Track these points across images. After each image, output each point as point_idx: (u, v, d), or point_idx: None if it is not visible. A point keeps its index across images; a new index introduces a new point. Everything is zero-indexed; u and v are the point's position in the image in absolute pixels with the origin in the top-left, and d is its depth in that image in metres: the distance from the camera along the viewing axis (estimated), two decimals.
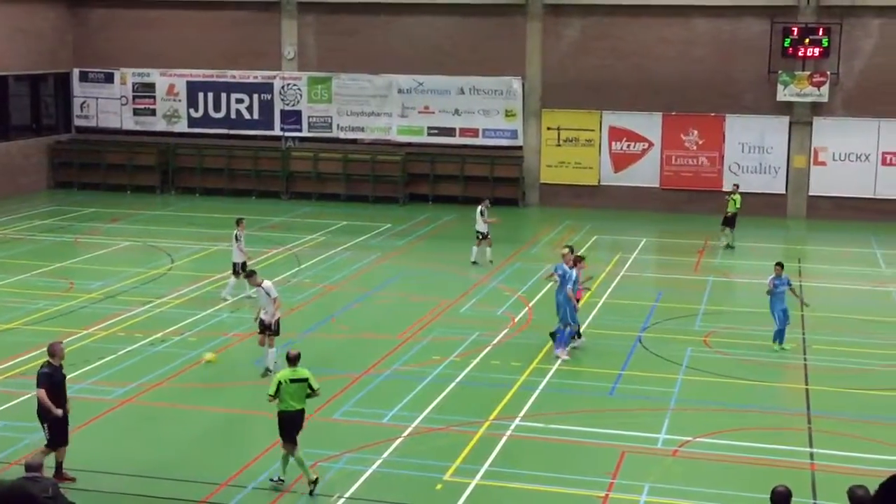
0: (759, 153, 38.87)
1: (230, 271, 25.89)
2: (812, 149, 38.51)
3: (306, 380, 14.89)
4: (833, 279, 29.11)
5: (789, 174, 38.74)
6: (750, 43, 38.46)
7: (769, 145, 38.73)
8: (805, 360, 21.37)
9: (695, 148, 39.39)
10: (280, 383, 14.72)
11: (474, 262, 29.77)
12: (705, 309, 25.47)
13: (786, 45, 37.81)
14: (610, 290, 27.07)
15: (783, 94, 38.00)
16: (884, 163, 37.98)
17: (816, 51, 37.59)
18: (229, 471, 15.24)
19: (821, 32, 37.58)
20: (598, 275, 27.72)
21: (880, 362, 21.30)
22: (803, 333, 23.22)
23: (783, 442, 16.76)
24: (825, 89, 37.68)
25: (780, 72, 37.91)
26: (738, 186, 34.37)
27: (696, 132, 39.31)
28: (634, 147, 39.88)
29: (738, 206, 32.93)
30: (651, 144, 39.73)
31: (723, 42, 38.82)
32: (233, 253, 25.72)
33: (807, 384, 19.86)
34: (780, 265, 22.51)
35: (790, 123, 38.51)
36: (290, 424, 14.71)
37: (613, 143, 40.05)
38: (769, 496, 9.78)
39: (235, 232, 25.61)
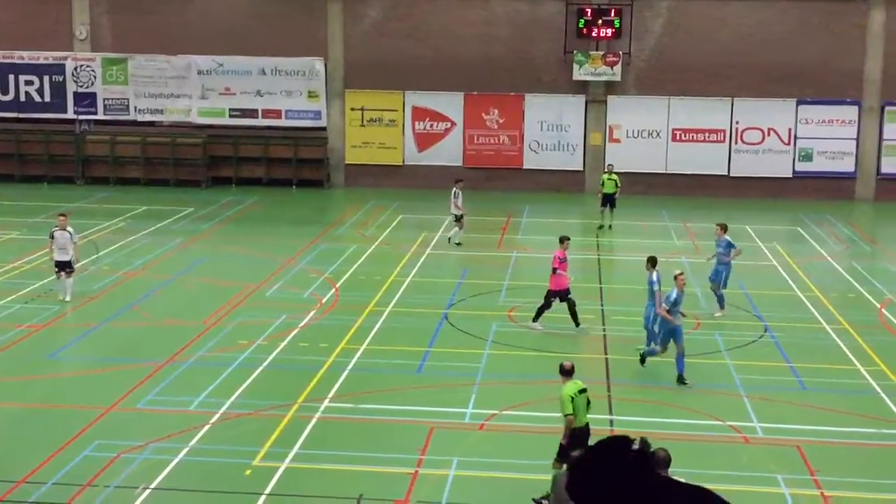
0: (558, 131, 39.91)
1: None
2: (607, 126, 39.79)
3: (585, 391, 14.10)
4: (629, 252, 30.17)
5: (586, 151, 39.92)
6: (547, 23, 39.36)
7: (567, 123, 39.81)
8: (604, 330, 22.09)
9: (496, 127, 40.11)
10: (572, 398, 13.84)
11: (458, 244, 29.97)
12: (509, 284, 26.00)
13: (580, 25, 38.89)
14: (416, 268, 27.29)
15: (579, 74, 39.10)
16: (674, 139, 39.61)
17: (609, 31, 38.81)
18: (28, 467, 14.64)
19: (613, 13, 38.82)
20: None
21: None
22: (602, 305, 23.99)
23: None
24: (618, 69, 38.98)
25: (575, 52, 38.97)
26: (612, 166, 34.84)
27: (496, 111, 40.01)
28: (437, 127, 40.29)
29: (618, 185, 33.33)
30: (453, 124, 40.22)
31: (521, 23, 39.58)
32: (55, 252, 23.95)
33: (606, 354, 20.54)
34: (721, 226, 24.02)
35: (586, 102, 39.67)
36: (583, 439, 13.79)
37: (416, 123, 40.34)
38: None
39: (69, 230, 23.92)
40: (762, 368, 19.72)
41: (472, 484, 14.55)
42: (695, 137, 39.61)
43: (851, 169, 39.20)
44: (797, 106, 39.01)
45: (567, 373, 14.28)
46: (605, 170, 34.93)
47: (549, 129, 39.94)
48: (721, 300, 23.51)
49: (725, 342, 21.37)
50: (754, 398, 18.02)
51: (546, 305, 21.90)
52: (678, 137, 39.61)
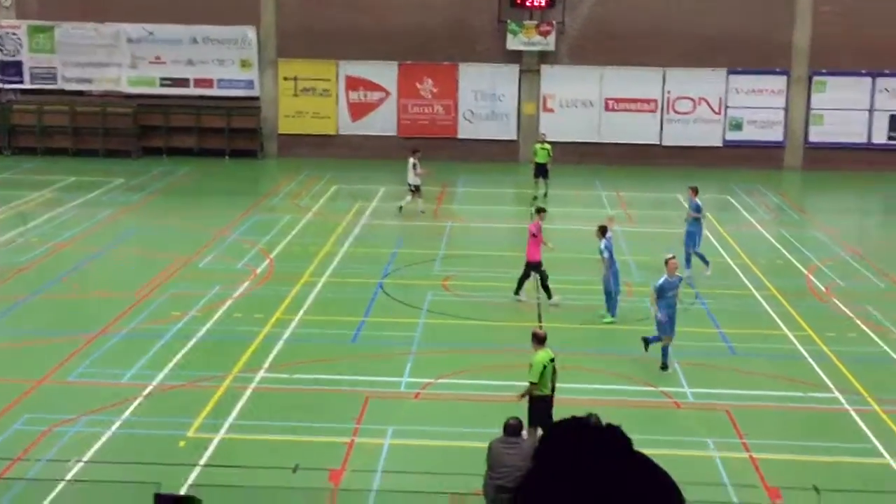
0: (492, 101, 39.94)
1: None
2: (541, 96, 39.90)
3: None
4: (563, 221, 30.35)
5: (520, 121, 40.03)
6: None
7: (501, 93, 39.85)
8: (538, 299, 22.24)
9: (430, 96, 40.03)
10: (544, 367, 14.14)
11: (422, 212, 30.10)
12: (444, 254, 26.07)
13: None
14: (350, 238, 27.23)
15: (513, 43, 39.13)
16: (607, 108, 39.85)
17: (543, 1, 38.83)
18: None
19: None
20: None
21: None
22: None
23: (520, 377, 17.41)
24: (552, 38, 39.06)
25: (509, 21, 38.97)
26: (544, 135, 34.83)
27: (430, 81, 39.92)
28: (371, 96, 40.10)
29: (550, 154, 33.37)
30: (388, 93, 40.06)
31: None
32: None
33: (540, 322, 20.70)
34: (693, 189, 24.68)
35: (520, 72, 39.72)
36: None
37: (350, 93, 40.11)
38: (502, 427, 10.18)
39: None
40: (693, 335, 20.01)
41: (408, 452, 14.63)
42: (627, 107, 39.88)
43: (780, 138, 39.77)
44: (728, 76, 39.44)
45: (540, 341, 14.53)
46: (538, 139, 35.01)
47: (484, 98, 39.96)
48: (703, 258, 24.28)
49: None
50: (686, 364, 18.30)
51: (525, 276, 21.94)
52: (611, 107, 39.86)
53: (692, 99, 39.70)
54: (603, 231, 20.94)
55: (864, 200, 36.12)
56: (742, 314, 21.47)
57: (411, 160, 30.48)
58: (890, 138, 39.50)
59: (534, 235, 21.82)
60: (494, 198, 33.17)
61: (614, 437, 1.66)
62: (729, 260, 25.78)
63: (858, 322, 20.70)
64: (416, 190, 30.30)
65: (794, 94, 39.52)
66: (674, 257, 19.05)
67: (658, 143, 39.81)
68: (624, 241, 27.84)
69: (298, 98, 40.26)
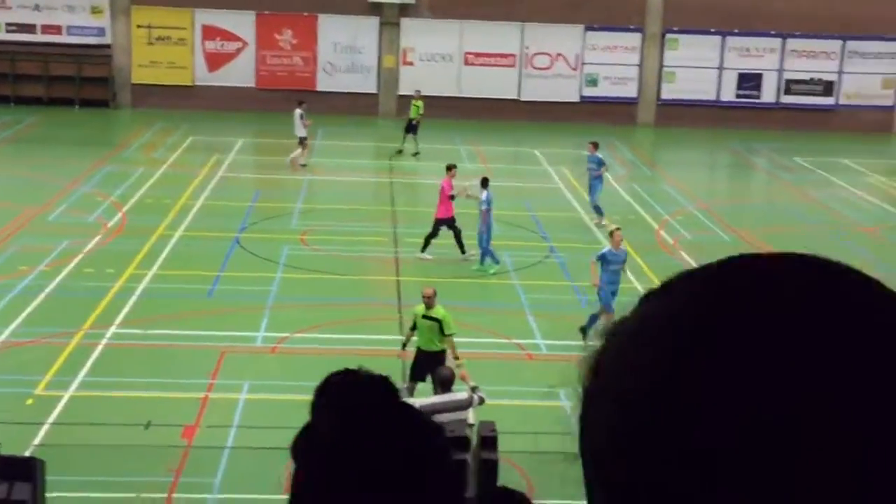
0: (352, 53, 39.67)
1: None
2: (400, 49, 39.81)
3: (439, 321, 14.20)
4: (423, 175, 30.48)
5: (380, 74, 39.88)
6: None
7: (361, 45, 39.61)
8: (396, 252, 22.36)
9: (289, 48, 39.52)
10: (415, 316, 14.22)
11: (304, 165, 29.74)
12: (301, 207, 25.91)
13: None
14: (206, 192, 26.81)
15: None
16: (466, 63, 40.02)
17: None
18: None
19: None
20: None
21: (471, 252, 22.64)
22: (394, 228, 24.24)
23: (376, 331, 17.57)
24: None
25: None
26: (419, 92, 34.41)
27: (290, 32, 39.39)
28: (228, 46, 39.37)
29: (420, 111, 33.02)
30: (245, 44, 39.39)
31: None
32: None
33: (398, 276, 20.83)
34: (593, 143, 25.47)
35: (380, 24, 39.52)
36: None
37: (207, 43, 39.30)
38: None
39: None
40: (547, 287, 20.44)
41: (264, 407, 14.61)
42: (486, 61, 40.14)
43: (634, 95, 40.64)
44: (584, 32, 40.02)
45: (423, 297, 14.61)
46: (414, 94, 34.48)
47: (344, 51, 39.65)
48: (598, 210, 25.16)
49: (514, 262, 21.98)
50: (539, 316, 18.70)
51: (433, 234, 21.87)
52: (470, 61, 40.05)
53: (550, 55, 40.18)
54: (484, 183, 21.27)
55: (713, 156, 37.27)
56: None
57: (298, 111, 30.22)
58: (738, 96, 40.78)
59: (447, 193, 21.62)
60: (353, 151, 33.06)
61: (381, 388, 1.74)
62: (583, 215, 26.31)
63: None
64: (303, 141, 30.03)
65: (648, 51, 40.39)
66: (619, 229, 18.07)
67: (517, 97, 40.21)
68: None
69: (153, 47, 39.24)
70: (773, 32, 40.16)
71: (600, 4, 39.51)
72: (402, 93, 39.87)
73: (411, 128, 32.92)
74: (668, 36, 40.24)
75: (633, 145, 36.63)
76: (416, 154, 32.67)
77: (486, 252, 21.13)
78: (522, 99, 40.17)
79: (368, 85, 39.84)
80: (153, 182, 27.62)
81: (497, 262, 21.09)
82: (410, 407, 1.80)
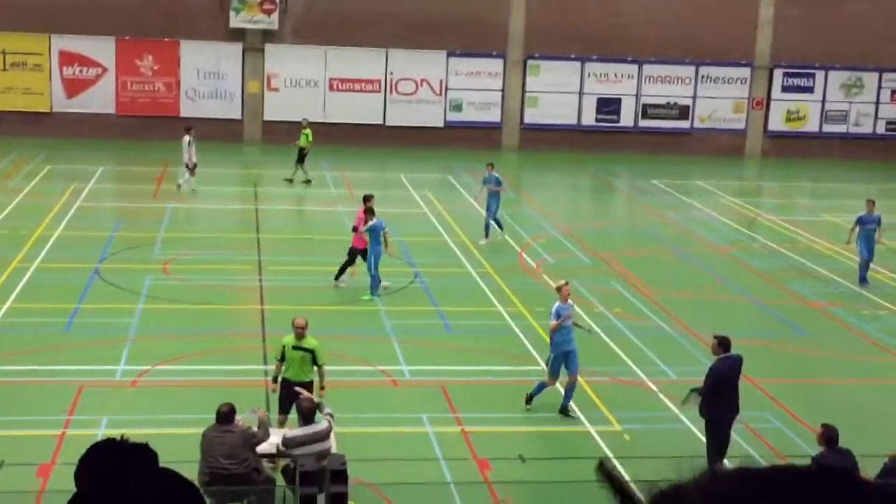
0: (215, 79, 39.35)
1: None
2: (265, 75, 39.66)
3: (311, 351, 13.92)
4: (287, 202, 30.40)
5: (244, 100, 39.65)
6: None
7: (224, 72, 39.32)
8: (261, 281, 22.24)
9: (150, 74, 38.98)
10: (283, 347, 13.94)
11: (194, 190, 29.75)
12: (164, 236, 25.54)
13: None
14: (65, 222, 26.23)
15: (236, 21, 38.68)
16: (331, 88, 40.10)
17: None
18: None
19: None
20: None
21: (331, 278, 22.68)
22: (259, 256, 24.10)
23: (240, 362, 17.46)
24: (275, 17, 38.88)
25: None
26: (306, 120, 34.04)
27: (151, 57, 38.87)
28: (87, 72, 38.62)
29: (309, 140, 32.71)
30: (105, 69, 38.70)
31: None
32: None
33: (262, 304, 20.72)
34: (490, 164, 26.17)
35: (243, 50, 39.33)
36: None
37: (65, 68, 38.49)
38: (215, 415, 10.23)
39: None
40: (412, 313, 20.61)
41: None
42: (351, 87, 40.28)
43: (498, 119, 41.28)
44: (447, 58, 40.51)
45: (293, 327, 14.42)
46: (302, 123, 34.16)
47: (207, 77, 39.30)
48: (487, 228, 26.22)
49: (379, 288, 22.04)
50: (404, 342, 18.83)
51: (350, 262, 21.82)
52: (335, 87, 40.13)
53: (414, 80, 40.55)
54: (371, 212, 21.44)
55: (574, 179, 38.05)
56: (459, 291, 22.23)
57: (186, 138, 29.79)
58: (598, 120, 41.80)
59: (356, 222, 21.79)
60: (217, 178, 32.73)
61: (141, 456, 1.83)
62: (448, 239, 26.58)
63: None
64: (191, 167, 29.72)
65: (511, 76, 41.10)
66: (566, 284, 16.62)
67: (382, 123, 40.43)
68: (347, 221, 28.19)
69: (7, 73, 38.24)
70: (630, 59, 41.32)
71: (463, 31, 40.07)
72: (266, 119, 39.72)
73: (301, 157, 32.71)
74: (530, 62, 41.03)
75: (497, 170, 37.06)
76: (307, 182, 32.50)
77: (376, 278, 21.25)
78: (388, 124, 40.42)
79: (233, 111, 39.56)
80: (8, 213, 26.90)
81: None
82: (171, 473, 1.90)
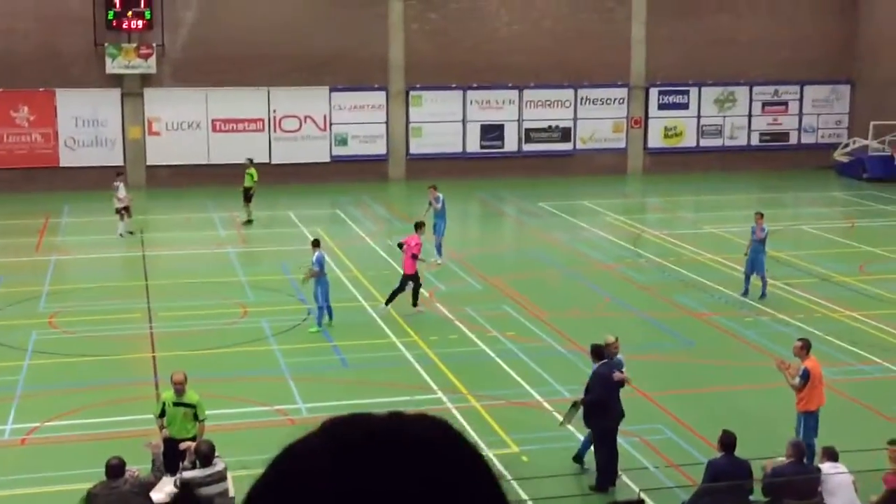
0: (94, 126, 38.78)
1: None
2: (146, 119, 39.22)
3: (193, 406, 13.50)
4: (175, 246, 30.05)
5: (126, 146, 39.13)
6: (74, 16, 37.94)
7: (103, 118, 38.78)
8: (151, 328, 21.96)
9: (27, 125, 38.24)
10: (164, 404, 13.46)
11: (128, 234, 30.15)
12: (49, 289, 25.04)
13: (110, 17, 37.94)
14: None
15: (112, 67, 38.21)
16: (214, 129, 39.84)
17: (140, 23, 38.21)
18: None
19: (143, 4, 38.23)
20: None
21: (223, 320, 22.54)
22: (148, 303, 23.78)
23: (132, 412, 17.18)
24: (153, 61, 38.51)
25: (107, 45, 38.01)
26: (251, 160, 33.78)
27: (26, 108, 38.16)
28: None
29: (255, 179, 32.67)
30: None
31: (46, 16, 37.86)
32: None
33: (154, 352, 20.46)
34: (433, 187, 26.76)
35: (122, 95, 38.85)
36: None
37: None
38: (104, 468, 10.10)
39: None
40: (307, 350, 20.57)
41: (15, 503, 14.03)
42: (235, 127, 40.08)
43: (384, 151, 41.47)
44: (330, 93, 40.60)
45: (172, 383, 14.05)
46: (245, 163, 33.93)
47: (85, 124, 38.70)
48: (439, 248, 27.74)
49: (272, 328, 21.97)
50: (300, 380, 18.77)
51: (401, 289, 22.62)
52: (218, 128, 39.89)
53: (298, 117, 40.53)
54: (316, 244, 22.25)
55: (463, 206, 38.31)
56: (353, 325, 22.23)
57: (116, 183, 30.20)
58: (482, 147, 42.30)
59: (412, 250, 22.70)
60: (102, 227, 32.19)
61: None
62: (340, 273, 26.53)
63: (458, 324, 22.09)
64: (123, 210, 30.02)
65: (394, 108, 41.36)
66: (616, 340, 15.21)
67: (268, 161, 40.26)
68: (237, 261, 28.05)
69: None
70: (510, 85, 41.94)
71: (343, 66, 40.20)
72: (150, 163, 39.25)
73: (247, 196, 32.77)
74: (412, 93, 41.36)
75: (385, 201, 37.34)
76: (249, 222, 32.70)
77: (323, 309, 21.73)
78: (273, 162, 40.26)
79: (114, 157, 38.98)
80: None
81: (320, 323, 21.69)
82: None
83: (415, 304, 22.83)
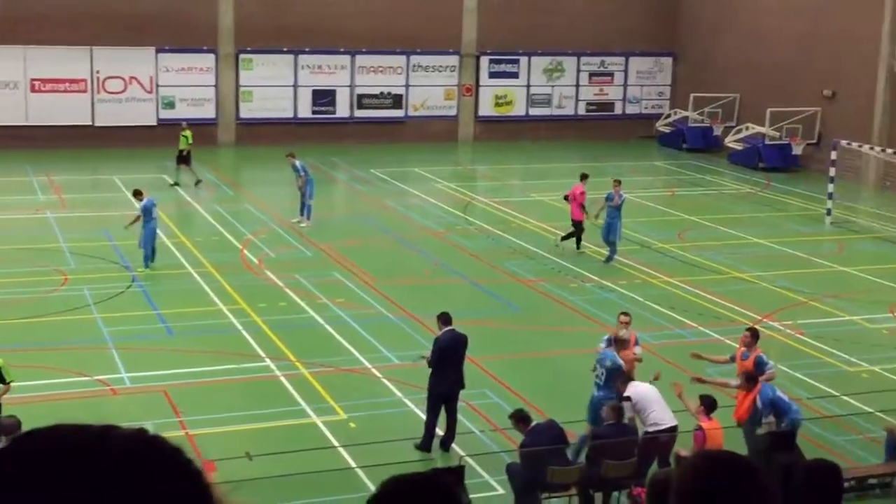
0: None
1: None
2: None
3: None
4: None
5: None
6: None
7: None
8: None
9: None
10: None
11: None
12: None
13: None
14: None
15: None
16: (33, 90, 38.28)
17: None
18: None
19: None
20: None
21: (42, 288, 21.77)
22: None
23: None
24: None
25: None
26: (185, 122, 33.41)
27: None
28: None
29: (189, 141, 32.17)
30: None
31: None
32: None
33: None
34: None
35: None
36: None
37: None
38: None
39: None
40: (130, 318, 20.08)
41: None
42: (55, 87, 38.59)
43: (213, 115, 40.65)
44: (156, 54, 39.49)
45: None
46: (181, 126, 33.09)
47: None
48: (305, 209, 27.88)
49: (93, 296, 21.33)
50: (123, 349, 18.32)
51: (579, 231, 24.96)
52: (37, 88, 38.34)
53: (123, 78, 39.31)
54: (137, 194, 23.31)
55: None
56: (179, 293, 21.83)
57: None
58: (314, 112, 41.93)
59: (579, 199, 24.68)
60: None
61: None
62: (166, 239, 25.93)
63: (288, 291, 21.92)
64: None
65: (223, 71, 40.56)
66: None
67: (90, 123, 38.98)
68: (57, 227, 27.10)
69: None
70: (342, 50, 41.66)
71: (171, 26, 39.15)
72: None
73: (182, 159, 32.31)
74: (242, 56, 40.63)
75: (214, 166, 36.62)
76: (197, 183, 32.20)
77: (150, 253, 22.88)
78: (97, 125, 38.98)
79: None
80: None
81: (146, 267, 22.86)
82: None
83: (566, 241, 25.18)
